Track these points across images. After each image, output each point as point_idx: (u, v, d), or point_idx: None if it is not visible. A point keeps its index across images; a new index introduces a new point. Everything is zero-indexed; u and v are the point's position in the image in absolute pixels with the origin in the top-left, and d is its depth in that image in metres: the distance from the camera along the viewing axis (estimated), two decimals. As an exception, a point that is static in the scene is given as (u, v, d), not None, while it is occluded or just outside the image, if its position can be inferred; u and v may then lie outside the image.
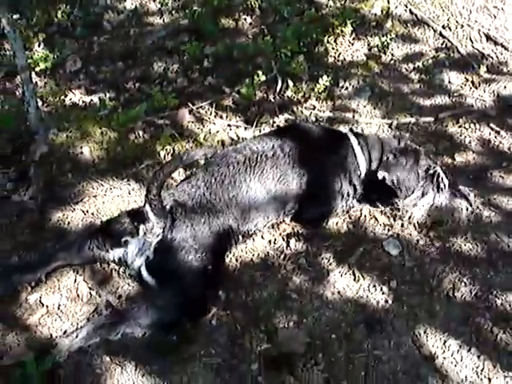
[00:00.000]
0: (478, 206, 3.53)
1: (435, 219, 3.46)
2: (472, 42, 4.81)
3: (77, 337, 2.79)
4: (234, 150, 3.41)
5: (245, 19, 5.22)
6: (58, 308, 3.01)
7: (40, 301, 3.03)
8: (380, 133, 4.11)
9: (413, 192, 3.47)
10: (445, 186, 3.43)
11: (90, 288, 3.10)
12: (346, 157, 3.46)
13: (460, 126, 4.17)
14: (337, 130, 3.72)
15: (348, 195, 3.48)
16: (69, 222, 3.49)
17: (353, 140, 3.49)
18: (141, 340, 2.83)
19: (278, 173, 3.30)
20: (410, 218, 3.48)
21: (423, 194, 3.46)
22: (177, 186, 3.39)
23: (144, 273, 3.05)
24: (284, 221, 3.47)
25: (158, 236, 3.00)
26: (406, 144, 3.55)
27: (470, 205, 3.45)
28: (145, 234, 2.99)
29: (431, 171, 3.45)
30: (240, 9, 5.27)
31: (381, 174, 3.45)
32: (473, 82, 4.53)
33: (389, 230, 3.42)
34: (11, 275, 3.10)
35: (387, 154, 3.47)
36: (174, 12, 5.36)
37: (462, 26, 4.90)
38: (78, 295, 3.07)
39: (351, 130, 3.72)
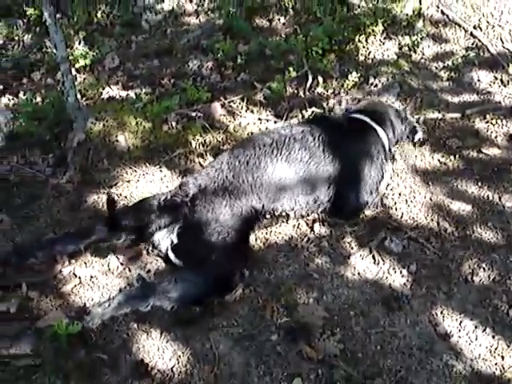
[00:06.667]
0: (501, 197, 3.59)
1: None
2: (502, 42, 4.84)
3: (109, 306, 2.93)
4: (261, 133, 3.56)
5: (278, 19, 5.35)
6: (90, 279, 3.17)
7: (73, 273, 3.19)
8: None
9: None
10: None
11: (121, 263, 3.25)
12: (373, 140, 3.60)
13: (487, 122, 4.21)
14: (356, 117, 3.81)
15: (382, 176, 3.59)
16: (103, 204, 3.65)
17: (372, 122, 3.64)
18: (166, 310, 2.97)
19: (307, 155, 3.39)
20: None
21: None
22: (202, 169, 3.53)
23: (171, 255, 3.20)
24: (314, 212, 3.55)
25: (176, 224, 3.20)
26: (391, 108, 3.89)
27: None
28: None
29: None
30: (274, 9, 5.40)
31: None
32: (502, 81, 4.57)
33: (412, 218, 3.50)
34: (55, 245, 3.27)
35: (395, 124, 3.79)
36: (209, 12, 5.53)
37: (493, 27, 4.94)
38: (109, 269, 3.23)
39: (361, 112, 3.84)
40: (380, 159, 3.57)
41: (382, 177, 3.60)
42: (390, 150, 3.70)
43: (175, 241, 3.18)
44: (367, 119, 3.70)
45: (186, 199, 3.26)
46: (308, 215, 3.52)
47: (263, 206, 3.33)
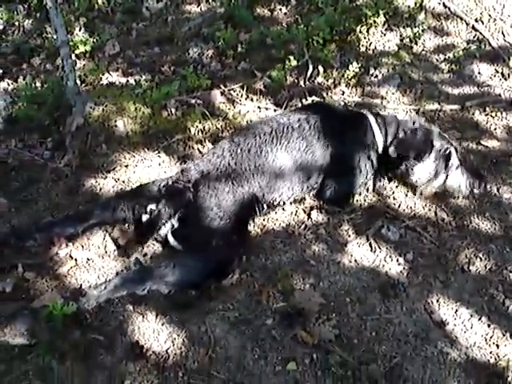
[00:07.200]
0: (499, 189, 3.59)
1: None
2: (504, 36, 4.84)
3: (105, 289, 2.93)
4: (260, 122, 3.55)
5: (280, 9, 5.33)
6: (87, 262, 3.16)
7: (70, 255, 3.19)
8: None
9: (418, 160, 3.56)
10: (457, 166, 3.54)
11: (118, 246, 3.25)
12: (366, 133, 3.58)
13: (487, 115, 4.22)
14: (356, 110, 3.83)
15: (367, 171, 3.57)
16: (100, 188, 3.67)
17: (371, 118, 3.61)
18: (163, 293, 2.97)
19: (304, 143, 3.41)
20: (420, 193, 3.58)
21: (436, 175, 3.55)
22: (203, 156, 3.53)
23: (170, 239, 3.20)
24: (306, 196, 3.57)
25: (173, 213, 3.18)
26: (420, 124, 3.62)
27: (481, 185, 3.53)
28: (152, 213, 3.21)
29: (445, 152, 3.54)
30: (276, -1, 5.40)
31: (392, 151, 3.57)
32: (502, 74, 4.58)
33: (410, 207, 3.50)
34: (53, 228, 3.29)
35: (400, 132, 3.57)
36: (210, 0, 5.50)
37: (495, 20, 4.94)
38: (106, 252, 3.22)
39: (369, 110, 3.82)
40: (368, 152, 3.57)
41: (365, 167, 3.58)
42: (385, 146, 3.62)
43: (176, 225, 3.19)
44: (367, 112, 3.70)
45: (188, 184, 3.27)
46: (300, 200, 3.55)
47: (263, 194, 3.35)
